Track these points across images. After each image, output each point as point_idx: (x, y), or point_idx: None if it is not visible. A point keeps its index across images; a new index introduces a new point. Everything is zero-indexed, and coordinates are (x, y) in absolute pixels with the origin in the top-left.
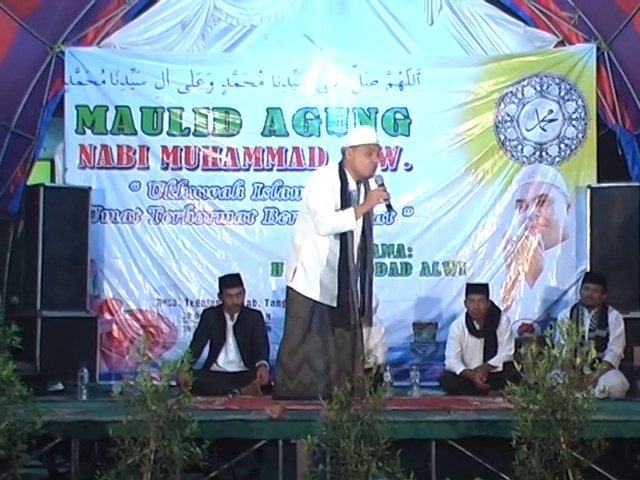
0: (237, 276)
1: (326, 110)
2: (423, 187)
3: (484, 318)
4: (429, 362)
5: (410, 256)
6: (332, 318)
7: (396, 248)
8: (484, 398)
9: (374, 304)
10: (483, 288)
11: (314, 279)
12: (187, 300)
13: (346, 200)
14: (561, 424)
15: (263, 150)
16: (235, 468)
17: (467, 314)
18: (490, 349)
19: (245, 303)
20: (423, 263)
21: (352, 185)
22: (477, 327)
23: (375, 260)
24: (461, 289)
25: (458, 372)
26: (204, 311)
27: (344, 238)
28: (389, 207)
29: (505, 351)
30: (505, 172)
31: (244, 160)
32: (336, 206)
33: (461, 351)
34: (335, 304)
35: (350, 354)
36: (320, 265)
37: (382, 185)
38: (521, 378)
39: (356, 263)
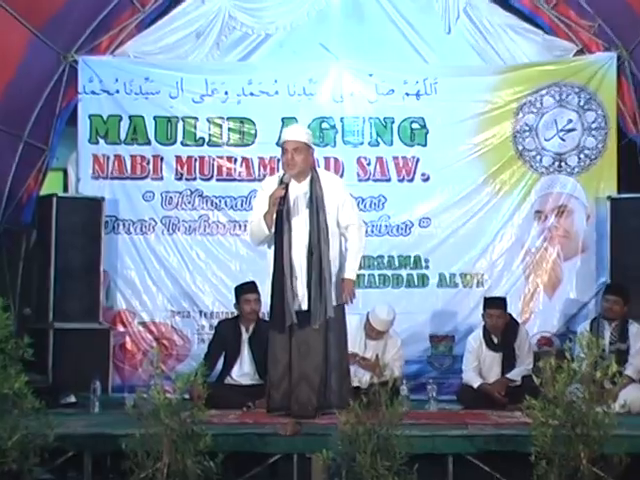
0: (254, 283)
1: (342, 120)
2: (440, 198)
3: (502, 331)
4: (446, 375)
5: (427, 268)
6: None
7: (413, 260)
8: (502, 412)
9: (390, 316)
10: (501, 303)
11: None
12: (201, 312)
13: (282, 205)
14: (581, 439)
15: (278, 160)
16: None
17: (485, 327)
18: (508, 363)
19: (260, 315)
20: (440, 275)
21: (296, 187)
22: (495, 341)
23: (391, 272)
24: (479, 301)
25: (475, 386)
26: (219, 323)
27: (278, 239)
28: (279, 205)
29: (524, 365)
30: (524, 183)
31: (259, 170)
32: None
33: (479, 365)
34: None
35: (320, 362)
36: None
37: (282, 183)
38: (540, 392)
39: (294, 263)
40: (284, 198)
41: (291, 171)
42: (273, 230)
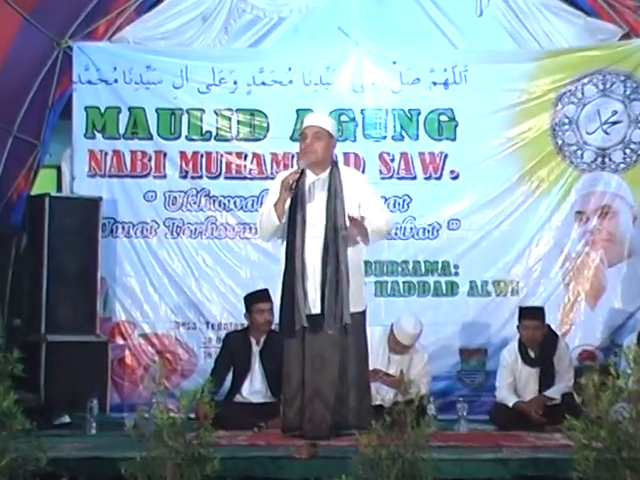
0: (266, 291)
1: (362, 112)
2: (471, 197)
3: (540, 345)
4: (478, 393)
5: (456, 274)
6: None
7: (440, 265)
8: (540, 434)
9: (417, 329)
10: (539, 313)
11: None
12: (208, 323)
13: (295, 194)
14: (627, 463)
15: (292, 156)
16: None
17: (520, 340)
18: (546, 379)
19: (272, 326)
20: (471, 282)
21: (313, 178)
22: (532, 355)
23: (417, 279)
24: (513, 311)
25: (510, 404)
26: (227, 335)
27: (290, 232)
28: (291, 190)
29: (563, 381)
30: (563, 180)
31: (271, 167)
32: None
33: (514, 381)
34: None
35: (335, 377)
36: None
37: (299, 167)
38: (582, 412)
39: (306, 260)
40: (297, 184)
41: (308, 158)
42: (284, 221)
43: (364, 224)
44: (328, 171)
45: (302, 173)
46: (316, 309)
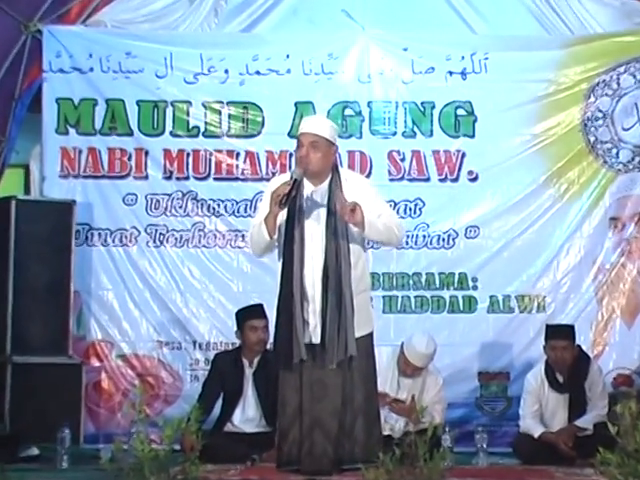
0: (261, 307)
1: (369, 105)
2: (491, 201)
3: (569, 368)
4: (499, 422)
5: (475, 288)
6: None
7: (457, 278)
8: (569, 469)
9: (430, 349)
10: (568, 332)
11: None
12: (195, 342)
13: (291, 207)
14: None
15: (290, 155)
16: None
17: (547, 362)
18: (577, 407)
19: (268, 346)
20: (491, 297)
21: (311, 191)
22: (560, 379)
23: (430, 293)
24: (539, 330)
25: (536, 435)
26: (216, 356)
27: (287, 251)
28: (281, 204)
29: (596, 409)
30: (596, 183)
31: (266, 167)
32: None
33: (540, 409)
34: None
35: (338, 405)
36: None
37: (291, 178)
38: (617, 444)
39: (306, 283)
40: (289, 196)
41: (301, 170)
42: (276, 237)
43: (359, 208)
44: (328, 181)
45: (296, 184)
46: (316, 338)
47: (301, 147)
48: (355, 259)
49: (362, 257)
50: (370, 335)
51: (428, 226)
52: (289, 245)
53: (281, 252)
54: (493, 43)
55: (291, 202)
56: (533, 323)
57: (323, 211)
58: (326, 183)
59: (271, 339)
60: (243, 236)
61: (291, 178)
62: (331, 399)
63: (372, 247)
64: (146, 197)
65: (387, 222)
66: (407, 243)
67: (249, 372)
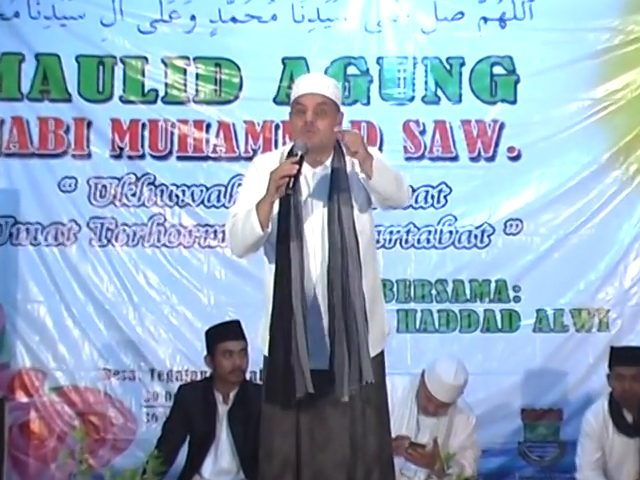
0: (238, 325)
1: (379, 61)
2: (538, 187)
3: None
4: (549, 474)
5: (517, 300)
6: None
7: (493, 287)
8: None
9: (459, 379)
10: (639, 357)
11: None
12: (153, 371)
13: (286, 195)
14: None
15: (277, 126)
16: None
17: (612, 396)
18: None
19: (247, 375)
20: (538, 312)
21: (310, 173)
22: (629, 418)
23: (459, 306)
24: (602, 354)
25: None
26: (180, 389)
27: (281, 251)
28: (288, 188)
29: None
30: None
31: (245, 143)
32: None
33: (603, 457)
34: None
35: (346, 454)
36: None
37: (296, 155)
38: None
39: (307, 293)
40: (297, 178)
41: (313, 140)
42: (269, 230)
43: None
44: (330, 160)
45: (302, 162)
46: (322, 363)
47: (305, 111)
48: (366, 256)
49: (372, 252)
50: (381, 355)
51: (456, 219)
52: (284, 246)
53: (272, 252)
54: None
55: (290, 189)
56: (593, 345)
57: (325, 199)
58: (328, 163)
59: (252, 367)
60: (216, 232)
61: (295, 154)
62: (337, 446)
63: (383, 246)
64: (88, 182)
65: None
66: (428, 241)
67: (223, 410)
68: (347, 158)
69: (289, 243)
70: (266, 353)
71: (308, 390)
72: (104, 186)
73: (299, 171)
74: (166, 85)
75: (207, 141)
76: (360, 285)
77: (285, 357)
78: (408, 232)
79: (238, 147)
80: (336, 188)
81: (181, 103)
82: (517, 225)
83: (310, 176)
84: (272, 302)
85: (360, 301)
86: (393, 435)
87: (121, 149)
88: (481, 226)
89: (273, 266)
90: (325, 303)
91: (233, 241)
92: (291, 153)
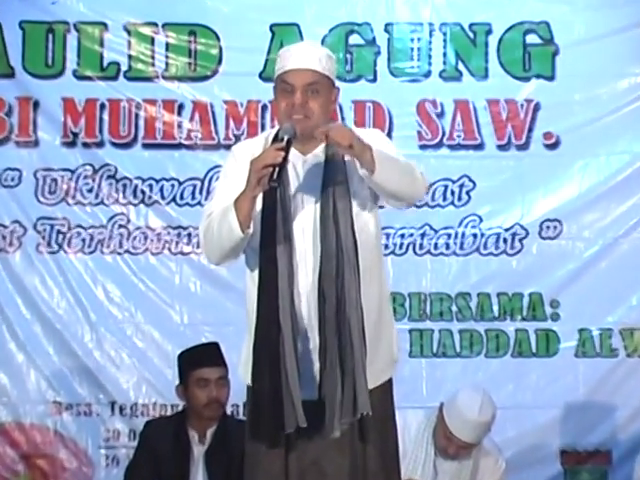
0: (216, 348)
1: (388, 29)
2: (580, 181)
3: None
4: None
5: (555, 318)
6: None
7: (526, 302)
8: None
9: (485, 415)
10: None
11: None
12: (113, 404)
13: (271, 189)
14: None
15: (264, 108)
16: None
17: None
18: None
19: (228, 409)
20: (581, 332)
21: (300, 161)
22: None
23: (484, 325)
24: None
25: None
26: (147, 425)
27: (265, 256)
28: (272, 180)
29: None
30: None
31: (226, 128)
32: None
33: None
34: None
35: None
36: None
37: (282, 140)
38: None
39: (298, 307)
40: (283, 167)
41: (304, 124)
42: (251, 232)
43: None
44: (323, 145)
45: (290, 148)
46: (311, 393)
47: (293, 91)
48: (369, 262)
49: (377, 258)
50: (388, 384)
51: (481, 220)
52: (270, 247)
53: (254, 258)
54: None
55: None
56: None
57: (318, 192)
58: (320, 149)
59: (234, 399)
60: (190, 236)
61: (281, 139)
62: None
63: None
64: (35, 175)
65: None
66: (448, 247)
67: (199, 451)
68: None
69: (275, 247)
70: (249, 381)
71: (299, 424)
72: (54, 180)
73: (285, 159)
74: (129, 57)
75: (179, 125)
76: (358, 296)
77: (272, 385)
78: (423, 236)
79: (217, 133)
80: (331, 179)
81: (148, 79)
82: (555, 227)
83: (299, 165)
84: (255, 319)
85: (357, 315)
86: None
87: (75, 135)
88: (511, 228)
89: (256, 275)
90: (315, 324)
91: (208, 246)
92: (276, 138)
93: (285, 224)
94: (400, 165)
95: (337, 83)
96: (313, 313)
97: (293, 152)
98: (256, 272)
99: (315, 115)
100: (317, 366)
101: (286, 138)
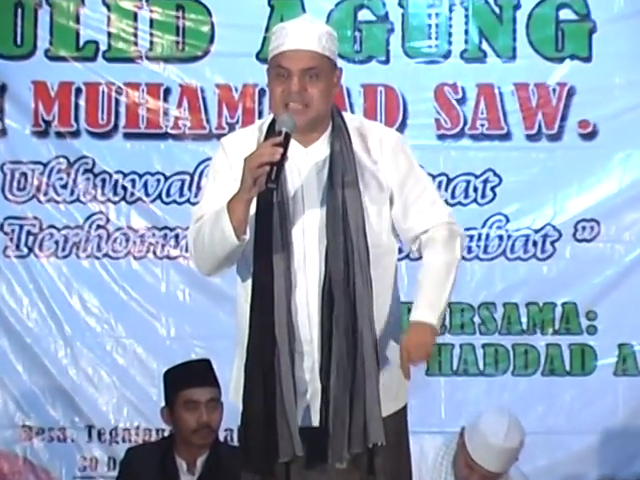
0: (207, 365)
1: (402, 3)
2: (620, 176)
3: None
4: None
5: (592, 332)
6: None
7: (559, 313)
8: None
9: (512, 440)
10: None
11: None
12: (90, 429)
13: (267, 190)
14: None
15: (261, 92)
16: None
17: None
18: None
19: (221, 434)
20: (621, 347)
21: (301, 155)
22: None
23: (511, 339)
24: None
25: None
26: (129, 453)
27: (260, 265)
28: (270, 181)
29: None
30: None
31: (219, 115)
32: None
33: None
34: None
35: None
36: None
37: (279, 133)
38: None
39: (296, 319)
40: (282, 164)
41: (302, 116)
42: (247, 238)
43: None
44: (327, 135)
45: (288, 142)
46: (313, 419)
47: (289, 76)
48: (382, 268)
49: (392, 265)
50: (403, 412)
51: (507, 220)
52: (265, 253)
53: (247, 267)
54: None
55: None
56: None
57: (323, 189)
58: (324, 140)
59: (227, 423)
60: (177, 237)
61: (278, 133)
62: None
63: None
64: (2, 168)
65: (440, 262)
66: (470, 250)
67: None
68: (352, 131)
69: (271, 253)
70: (240, 404)
71: (296, 453)
72: (24, 174)
73: (284, 156)
74: (109, 35)
75: (166, 113)
76: (370, 307)
77: (265, 408)
78: None
79: (208, 121)
80: (338, 175)
81: (130, 60)
82: (592, 228)
83: (300, 158)
84: (248, 335)
85: (370, 332)
86: None
87: (47, 123)
88: (542, 229)
89: (249, 285)
90: (317, 343)
91: (199, 254)
92: (271, 129)
93: (282, 227)
94: (450, 286)
95: (345, 65)
96: (315, 327)
97: (293, 144)
98: (249, 282)
99: (315, 102)
100: (318, 387)
101: (284, 132)
